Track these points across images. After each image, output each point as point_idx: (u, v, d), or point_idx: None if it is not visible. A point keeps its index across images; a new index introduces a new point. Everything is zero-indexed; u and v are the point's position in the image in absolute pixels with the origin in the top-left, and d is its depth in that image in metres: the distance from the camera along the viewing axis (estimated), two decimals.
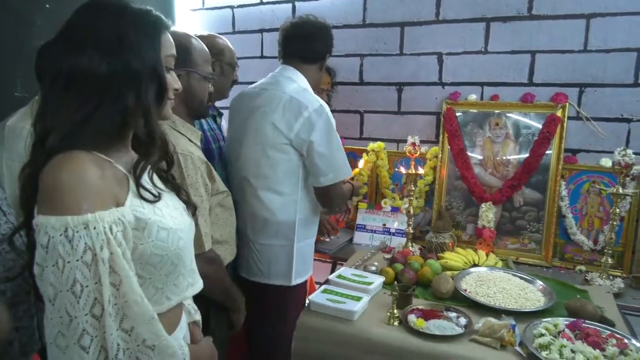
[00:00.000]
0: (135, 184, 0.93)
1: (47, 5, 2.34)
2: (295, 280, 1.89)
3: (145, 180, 0.96)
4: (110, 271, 0.83)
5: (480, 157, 2.40)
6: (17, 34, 2.20)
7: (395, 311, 1.59)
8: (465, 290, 1.75)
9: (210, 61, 1.67)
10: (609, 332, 1.45)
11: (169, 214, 0.98)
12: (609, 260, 1.99)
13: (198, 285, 1.12)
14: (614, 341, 1.38)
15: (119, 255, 0.84)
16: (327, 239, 2.51)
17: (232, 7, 2.97)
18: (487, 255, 2.15)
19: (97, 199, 0.84)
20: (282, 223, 1.85)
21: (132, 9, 0.94)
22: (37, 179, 0.85)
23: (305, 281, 1.98)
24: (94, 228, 0.81)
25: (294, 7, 2.79)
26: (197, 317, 1.25)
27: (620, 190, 1.93)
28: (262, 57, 2.94)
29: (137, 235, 0.90)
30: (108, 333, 0.82)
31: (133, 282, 0.86)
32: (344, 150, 1.90)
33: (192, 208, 1.12)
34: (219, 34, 2.23)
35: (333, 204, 1.98)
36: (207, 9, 3.04)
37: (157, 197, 0.96)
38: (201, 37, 1.80)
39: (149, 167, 0.97)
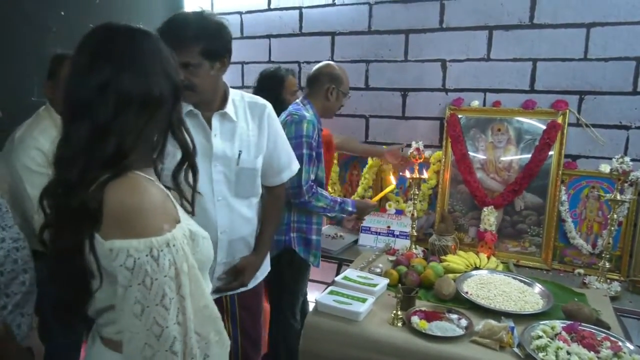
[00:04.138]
0: (187, 198, 1.04)
1: (62, 13, 2.41)
2: None
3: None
4: (189, 282, 0.91)
5: (483, 162, 2.46)
6: (33, 41, 2.28)
7: (399, 312, 1.65)
8: (467, 292, 1.81)
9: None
10: (604, 334, 1.51)
11: (197, 223, 1.05)
12: (607, 264, 2.05)
13: (209, 284, 1.19)
14: (608, 344, 1.44)
15: (195, 266, 0.92)
16: None
17: (240, 13, 3.04)
18: (488, 258, 2.21)
19: (169, 218, 0.91)
20: None
21: (154, 33, 1.00)
22: (90, 203, 0.86)
23: None
24: (174, 245, 0.88)
25: (301, 14, 2.86)
26: None
27: (618, 197, 1.99)
28: (269, 61, 3.00)
29: (191, 247, 0.96)
30: (188, 337, 0.90)
31: (204, 288, 0.96)
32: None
33: None
34: None
35: None
36: (216, 14, 3.10)
37: (193, 209, 1.05)
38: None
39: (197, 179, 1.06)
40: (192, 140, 1.03)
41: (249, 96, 1.79)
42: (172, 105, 0.97)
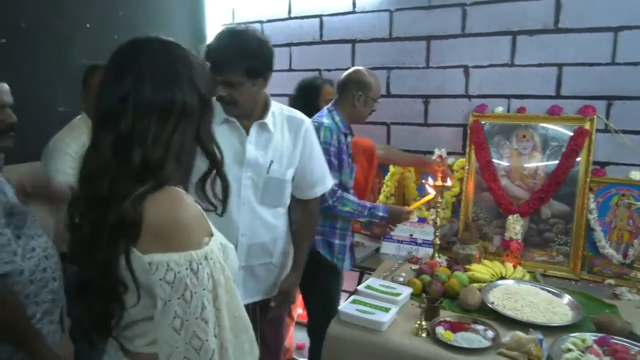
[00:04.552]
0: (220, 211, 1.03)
1: (88, 25, 2.46)
2: None
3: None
4: (225, 294, 0.90)
5: (507, 169, 2.41)
6: (59, 53, 2.34)
7: (423, 323, 1.62)
8: (493, 303, 1.77)
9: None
10: (638, 348, 1.46)
11: (219, 225, 1.03)
12: (638, 274, 1.98)
13: None
14: None
15: (230, 278, 0.92)
16: None
17: (261, 22, 3.07)
18: (514, 267, 2.16)
19: (206, 231, 0.91)
20: None
21: (181, 44, 0.98)
22: (128, 216, 0.84)
23: None
24: (211, 259, 0.88)
25: (321, 22, 2.86)
26: None
27: None
28: (290, 70, 3.02)
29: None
30: (224, 348, 0.89)
31: (239, 300, 0.96)
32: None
33: None
34: None
35: None
36: (237, 24, 3.14)
37: (224, 209, 1.05)
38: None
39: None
40: (221, 153, 1.01)
41: (288, 109, 1.86)
42: (199, 118, 0.95)
